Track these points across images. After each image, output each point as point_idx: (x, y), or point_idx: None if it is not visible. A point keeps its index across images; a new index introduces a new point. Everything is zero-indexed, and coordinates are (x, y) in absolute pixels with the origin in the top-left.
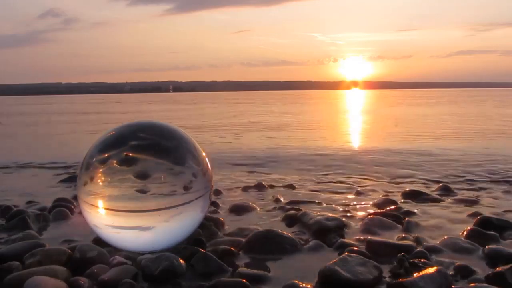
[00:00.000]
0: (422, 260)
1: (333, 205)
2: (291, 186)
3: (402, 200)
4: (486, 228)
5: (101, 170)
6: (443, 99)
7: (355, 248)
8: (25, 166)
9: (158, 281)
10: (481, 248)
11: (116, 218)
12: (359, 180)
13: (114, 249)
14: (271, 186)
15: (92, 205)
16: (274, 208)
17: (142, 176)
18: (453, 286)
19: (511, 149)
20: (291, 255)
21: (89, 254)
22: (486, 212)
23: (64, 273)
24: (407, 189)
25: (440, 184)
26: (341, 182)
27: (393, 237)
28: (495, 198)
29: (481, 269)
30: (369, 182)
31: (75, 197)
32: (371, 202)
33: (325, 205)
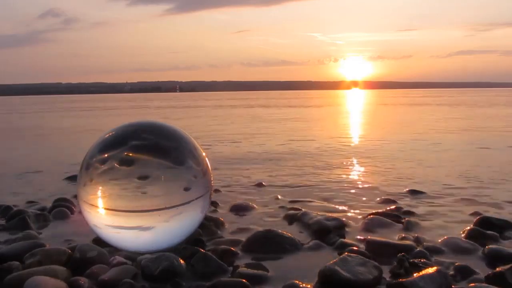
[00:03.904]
0: (422, 260)
1: (333, 205)
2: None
3: (403, 200)
4: (486, 228)
5: (101, 170)
6: None
7: (355, 248)
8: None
9: (158, 281)
10: (481, 248)
11: (116, 218)
12: (359, 179)
13: (114, 249)
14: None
15: (92, 205)
16: (274, 207)
17: (142, 176)
18: (453, 286)
19: None
20: (291, 255)
21: (89, 254)
22: (486, 212)
23: (64, 273)
24: (408, 189)
25: (441, 184)
26: (341, 182)
27: (393, 237)
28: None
29: (481, 269)
30: (369, 182)
31: (75, 197)
32: (371, 202)
33: (325, 205)
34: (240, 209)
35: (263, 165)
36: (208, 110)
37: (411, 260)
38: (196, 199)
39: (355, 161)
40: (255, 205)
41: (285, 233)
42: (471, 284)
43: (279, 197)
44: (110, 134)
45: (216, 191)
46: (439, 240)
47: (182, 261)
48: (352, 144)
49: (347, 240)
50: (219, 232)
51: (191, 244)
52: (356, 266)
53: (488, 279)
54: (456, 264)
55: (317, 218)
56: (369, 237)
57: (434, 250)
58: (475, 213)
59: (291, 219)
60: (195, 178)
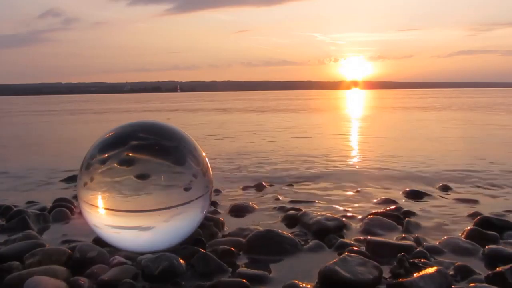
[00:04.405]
0: (422, 260)
1: (333, 205)
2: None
3: (403, 200)
4: (486, 228)
5: (101, 170)
6: None
7: (355, 248)
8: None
9: (158, 281)
10: (481, 248)
11: (116, 218)
12: (359, 180)
13: (114, 249)
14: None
15: (92, 205)
16: (274, 208)
17: (142, 176)
18: (453, 286)
19: None
20: (291, 255)
21: (89, 254)
22: (486, 212)
23: (64, 273)
24: (408, 189)
25: (440, 184)
26: (341, 182)
27: (393, 237)
28: (495, 198)
29: (481, 269)
30: (369, 182)
31: (75, 197)
32: (371, 202)
33: (325, 205)
34: (240, 209)
35: (264, 165)
36: (208, 112)
37: (411, 260)
38: (196, 199)
39: (355, 161)
40: (255, 205)
41: (285, 233)
42: (471, 284)
43: (279, 197)
44: (110, 134)
45: (216, 191)
46: (439, 240)
47: (182, 261)
48: (352, 145)
49: (347, 240)
50: (219, 232)
51: (191, 244)
52: (356, 266)
53: (488, 279)
54: (456, 264)
55: (317, 218)
56: (369, 237)
57: (434, 250)
58: (475, 213)
59: (291, 219)
60: (195, 178)
